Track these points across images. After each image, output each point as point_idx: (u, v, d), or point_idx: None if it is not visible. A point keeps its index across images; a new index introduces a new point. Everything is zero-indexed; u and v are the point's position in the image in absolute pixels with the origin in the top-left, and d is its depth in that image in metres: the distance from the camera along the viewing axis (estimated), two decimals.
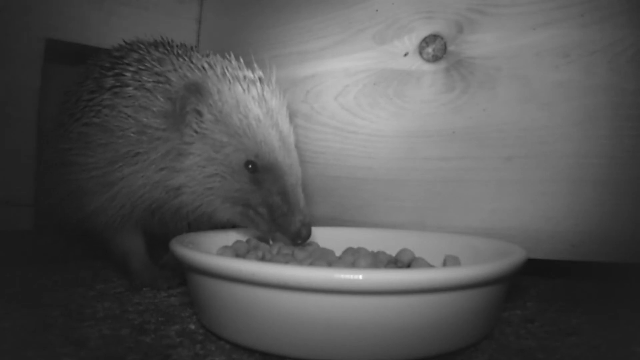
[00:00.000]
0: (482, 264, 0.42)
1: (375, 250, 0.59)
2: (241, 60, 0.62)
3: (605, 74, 0.60)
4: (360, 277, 0.37)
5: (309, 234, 0.56)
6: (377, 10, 0.76)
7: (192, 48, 0.67)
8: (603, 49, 0.61)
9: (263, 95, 0.58)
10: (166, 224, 0.63)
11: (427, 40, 0.71)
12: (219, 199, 0.58)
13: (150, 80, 0.58)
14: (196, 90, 0.55)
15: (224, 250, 0.57)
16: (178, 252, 0.46)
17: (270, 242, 0.60)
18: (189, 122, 0.56)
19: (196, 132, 0.56)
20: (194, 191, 0.57)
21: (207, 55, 0.62)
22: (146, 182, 0.57)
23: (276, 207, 0.56)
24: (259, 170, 0.56)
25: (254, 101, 0.57)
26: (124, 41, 0.69)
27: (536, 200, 0.64)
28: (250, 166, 0.56)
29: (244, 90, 0.57)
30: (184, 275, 0.50)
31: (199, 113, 0.56)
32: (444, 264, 0.53)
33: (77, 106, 0.63)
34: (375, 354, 0.39)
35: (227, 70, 0.58)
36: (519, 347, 0.44)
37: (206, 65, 0.58)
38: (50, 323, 0.48)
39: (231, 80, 0.57)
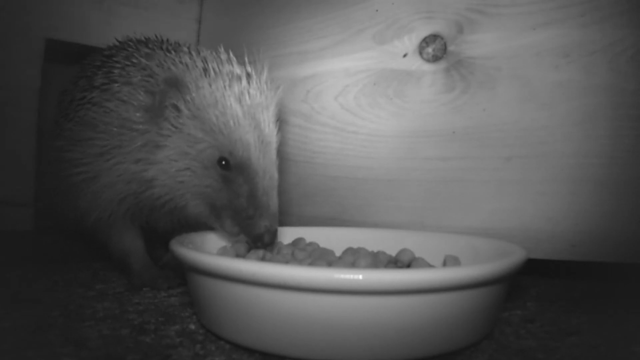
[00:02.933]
0: (482, 264, 0.42)
1: (375, 250, 0.59)
2: (231, 54, 0.61)
3: (605, 74, 0.60)
4: (360, 277, 0.37)
5: (271, 241, 0.55)
6: (377, 10, 0.76)
7: (187, 46, 0.67)
8: (603, 49, 0.61)
9: (248, 92, 0.57)
10: (156, 220, 0.64)
11: (427, 40, 0.71)
12: (189, 193, 0.57)
13: (136, 75, 0.58)
14: (175, 84, 0.55)
15: (224, 250, 0.57)
16: (178, 252, 0.46)
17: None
18: (167, 116, 0.56)
19: (173, 126, 0.56)
20: (165, 184, 0.57)
21: (198, 51, 0.62)
22: (124, 174, 0.58)
23: (241, 210, 0.55)
24: (232, 169, 0.55)
25: (235, 98, 0.56)
26: (116, 40, 0.70)
27: (536, 200, 0.64)
28: (223, 163, 0.55)
29: (225, 86, 0.56)
30: (184, 275, 0.50)
31: (177, 108, 0.56)
32: (444, 264, 0.53)
33: (71, 105, 0.64)
34: (375, 354, 0.39)
35: (211, 65, 0.57)
36: (519, 347, 0.44)
37: (189, 60, 0.58)
38: (50, 323, 0.48)
39: (213, 76, 0.56)
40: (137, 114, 0.57)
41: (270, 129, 0.58)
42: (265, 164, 0.56)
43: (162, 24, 1.06)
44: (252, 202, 0.55)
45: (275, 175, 0.58)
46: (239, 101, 0.56)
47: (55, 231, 0.96)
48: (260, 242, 0.55)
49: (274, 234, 0.55)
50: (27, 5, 0.95)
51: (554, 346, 0.44)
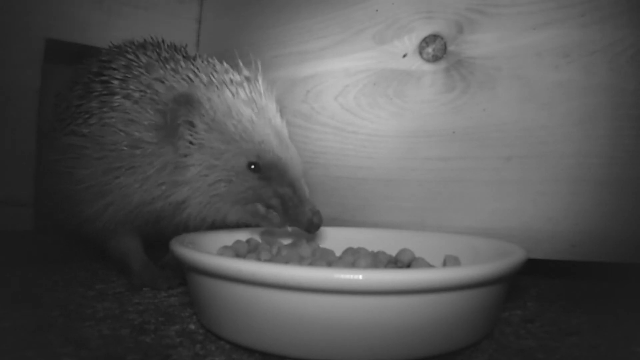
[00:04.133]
0: (482, 264, 0.42)
1: (375, 250, 0.59)
2: (224, 63, 0.62)
3: (605, 74, 0.60)
4: (360, 277, 0.37)
5: (320, 222, 0.56)
6: (377, 10, 0.76)
7: (182, 48, 0.67)
8: (603, 49, 0.61)
9: (252, 96, 0.58)
10: (162, 231, 0.63)
11: (427, 40, 0.71)
12: (228, 203, 0.57)
13: (137, 89, 0.58)
14: (186, 101, 0.55)
15: (224, 250, 0.57)
16: (178, 252, 0.46)
17: (289, 229, 0.60)
18: (181, 134, 0.55)
19: (192, 143, 0.56)
20: (200, 201, 0.57)
21: (194, 59, 0.62)
22: (145, 197, 0.57)
23: (288, 198, 0.56)
24: (262, 170, 0.57)
25: (245, 103, 0.57)
26: (112, 43, 0.69)
27: (536, 200, 0.64)
28: (253, 167, 0.56)
29: (233, 94, 0.57)
30: (184, 275, 0.50)
31: (192, 124, 0.55)
32: (444, 264, 0.53)
33: (67, 112, 0.63)
34: (375, 354, 0.39)
35: (213, 76, 0.58)
36: (519, 347, 0.44)
37: (191, 75, 0.58)
38: (50, 323, 0.48)
39: (219, 86, 0.57)
40: (149, 134, 0.56)
41: (281, 124, 0.60)
42: (290, 156, 0.58)
43: (162, 24, 1.06)
44: (293, 191, 0.56)
45: (301, 164, 0.60)
46: (249, 105, 0.57)
47: (55, 231, 0.96)
48: (312, 225, 0.56)
49: (319, 215, 0.56)
50: (27, 5, 0.95)
51: (554, 346, 0.44)
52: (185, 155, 0.56)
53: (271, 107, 0.60)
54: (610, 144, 0.60)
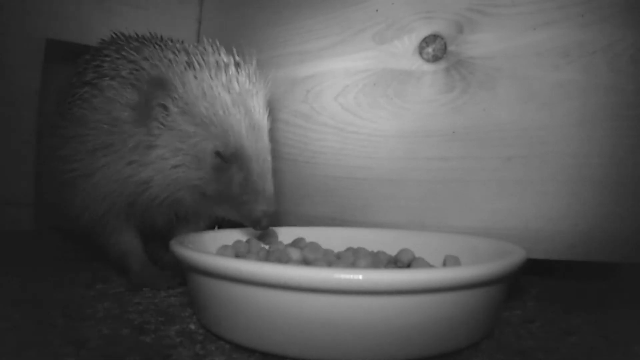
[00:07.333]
0: (482, 264, 0.42)
1: (375, 250, 0.59)
2: (217, 43, 0.61)
3: (605, 74, 0.60)
4: (360, 277, 0.37)
5: (270, 224, 0.56)
6: (377, 11, 0.76)
7: (179, 42, 0.67)
8: (603, 49, 0.60)
9: (236, 79, 0.57)
10: (153, 218, 0.64)
11: (427, 41, 0.71)
12: (185, 188, 0.58)
13: (125, 68, 0.58)
14: (160, 84, 0.55)
15: (224, 250, 0.57)
16: (178, 252, 0.46)
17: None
18: (155, 116, 0.56)
19: (163, 124, 0.56)
20: (161, 184, 0.57)
21: (181, 43, 0.62)
22: (118, 177, 0.58)
23: (235, 197, 0.56)
24: (226, 158, 0.56)
25: (223, 87, 0.56)
26: (111, 34, 0.70)
27: (536, 200, 0.64)
28: (217, 153, 0.56)
29: (211, 77, 0.56)
30: (184, 275, 0.50)
31: (165, 107, 0.56)
32: (444, 264, 0.53)
33: (64, 103, 0.64)
34: (375, 354, 0.39)
35: (195, 57, 0.57)
36: (519, 347, 0.44)
37: (171, 56, 0.58)
38: (50, 323, 0.48)
39: (198, 68, 0.56)
40: (125, 113, 0.56)
41: (260, 115, 0.58)
42: (258, 148, 0.56)
43: (162, 24, 1.06)
44: (246, 188, 0.55)
45: (269, 159, 0.58)
46: (227, 89, 0.56)
47: (55, 231, 0.96)
48: (258, 225, 0.55)
49: (271, 217, 0.55)
50: (27, 5, 0.95)
51: (554, 346, 0.44)
52: (155, 136, 0.56)
53: (255, 96, 0.58)
54: (610, 144, 0.60)
